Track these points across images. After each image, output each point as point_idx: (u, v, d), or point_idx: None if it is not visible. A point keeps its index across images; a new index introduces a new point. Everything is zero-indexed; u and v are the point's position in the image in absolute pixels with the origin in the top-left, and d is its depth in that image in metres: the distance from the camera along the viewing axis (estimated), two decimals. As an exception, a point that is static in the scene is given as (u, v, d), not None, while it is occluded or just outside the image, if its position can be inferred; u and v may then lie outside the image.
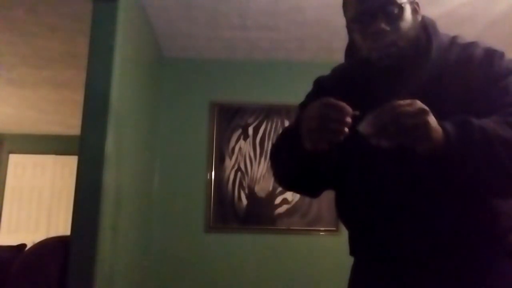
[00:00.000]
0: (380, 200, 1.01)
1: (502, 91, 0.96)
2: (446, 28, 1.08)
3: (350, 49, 1.14)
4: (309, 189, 1.21)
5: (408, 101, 0.84)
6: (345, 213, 1.13)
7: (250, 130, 3.26)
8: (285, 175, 1.15)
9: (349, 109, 0.88)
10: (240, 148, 3.22)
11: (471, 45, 1.04)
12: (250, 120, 3.27)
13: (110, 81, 2.06)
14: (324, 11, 2.68)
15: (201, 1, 2.61)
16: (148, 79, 2.92)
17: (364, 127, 0.85)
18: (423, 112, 0.83)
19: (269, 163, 1.23)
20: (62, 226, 5.57)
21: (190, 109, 3.28)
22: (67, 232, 1.98)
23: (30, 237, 4.85)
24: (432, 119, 0.84)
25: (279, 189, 3.15)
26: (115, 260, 2.16)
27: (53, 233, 5.15)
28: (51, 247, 2.16)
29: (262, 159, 3.20)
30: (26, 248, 2.68)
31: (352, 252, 1.12)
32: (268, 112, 3.27)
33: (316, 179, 1.11)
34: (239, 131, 3.25)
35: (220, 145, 3.22)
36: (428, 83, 0.99)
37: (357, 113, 0.87)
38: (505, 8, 2.64)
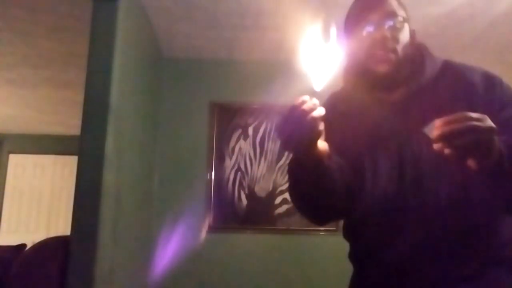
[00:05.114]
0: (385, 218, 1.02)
1: (505, 122, 0.96)
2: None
3: (347, 72, 1.16)
4: (317, 214, 1.13)
5: (480, 116, 0.84)
6: (352, 235, 1.14)
7: (250, 130, 3.26)
8: (300, 195, 1.08)
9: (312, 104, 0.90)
10: (240, 148, 3.22)
11: (469, 69, 1.07)
12: (250, 120, 3.27)
13: (110, 81, 2.06)
14: (324, 11, 2.68)
15: (201, 1, 2.61)
16: (148, 79, 2.92)
17: (431, 130, 0.85)
18: (493, 130, 0.84)
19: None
20: (62, 226, 5.57)
21: (190, 109, 3.27)
22: (67, 232, 1.98)
23: (30, 237, 4.86)
24: (496, 138, 0.85)
25: (279, 189, 3.15)
26: (115, 260, 2.16)
27: (53, 233, 5.16)
28: (51, 247, 2.17)
29: (262, 159, 3.20)
30: (26, 248, 2.68)
31: (352, 259, 1.13)
32: (268, 112, 3.27)
33: (326, 203, 1.06)
34: (239, 131, 3.25)
35: (220, 145, 3.22)
36: (421, 104, 1.02)
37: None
38: (505, 8, 2.64)
